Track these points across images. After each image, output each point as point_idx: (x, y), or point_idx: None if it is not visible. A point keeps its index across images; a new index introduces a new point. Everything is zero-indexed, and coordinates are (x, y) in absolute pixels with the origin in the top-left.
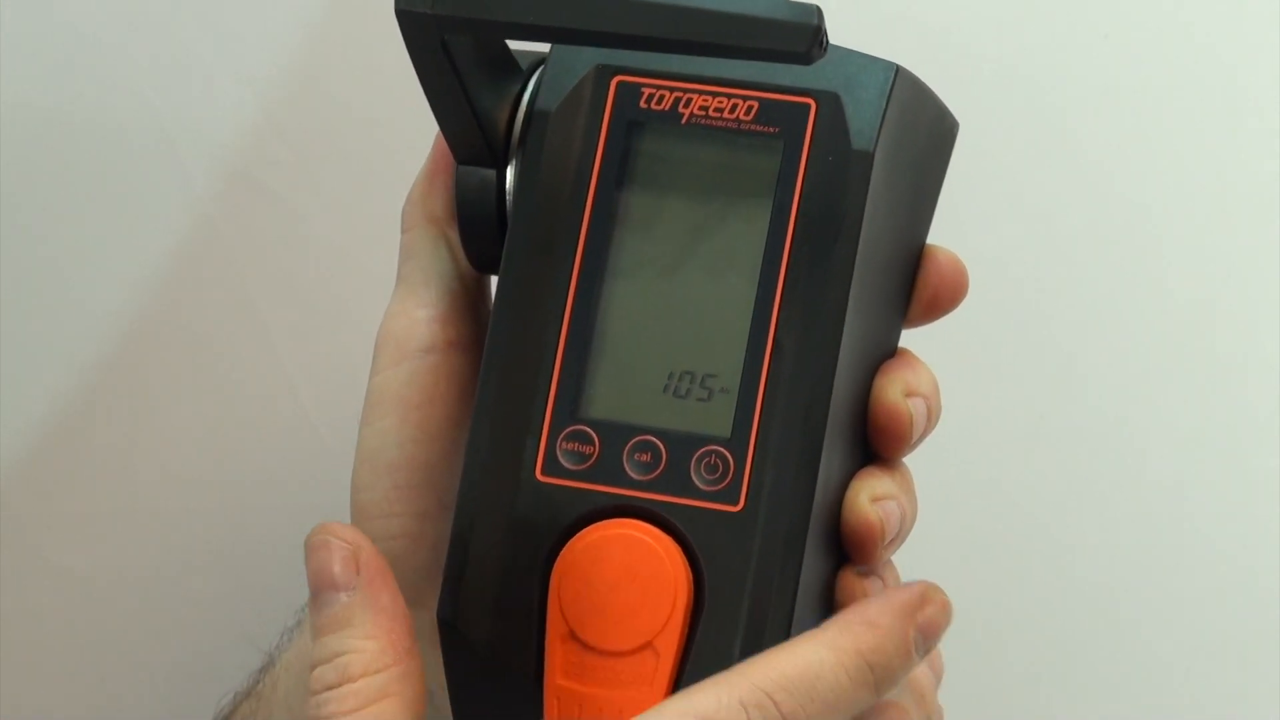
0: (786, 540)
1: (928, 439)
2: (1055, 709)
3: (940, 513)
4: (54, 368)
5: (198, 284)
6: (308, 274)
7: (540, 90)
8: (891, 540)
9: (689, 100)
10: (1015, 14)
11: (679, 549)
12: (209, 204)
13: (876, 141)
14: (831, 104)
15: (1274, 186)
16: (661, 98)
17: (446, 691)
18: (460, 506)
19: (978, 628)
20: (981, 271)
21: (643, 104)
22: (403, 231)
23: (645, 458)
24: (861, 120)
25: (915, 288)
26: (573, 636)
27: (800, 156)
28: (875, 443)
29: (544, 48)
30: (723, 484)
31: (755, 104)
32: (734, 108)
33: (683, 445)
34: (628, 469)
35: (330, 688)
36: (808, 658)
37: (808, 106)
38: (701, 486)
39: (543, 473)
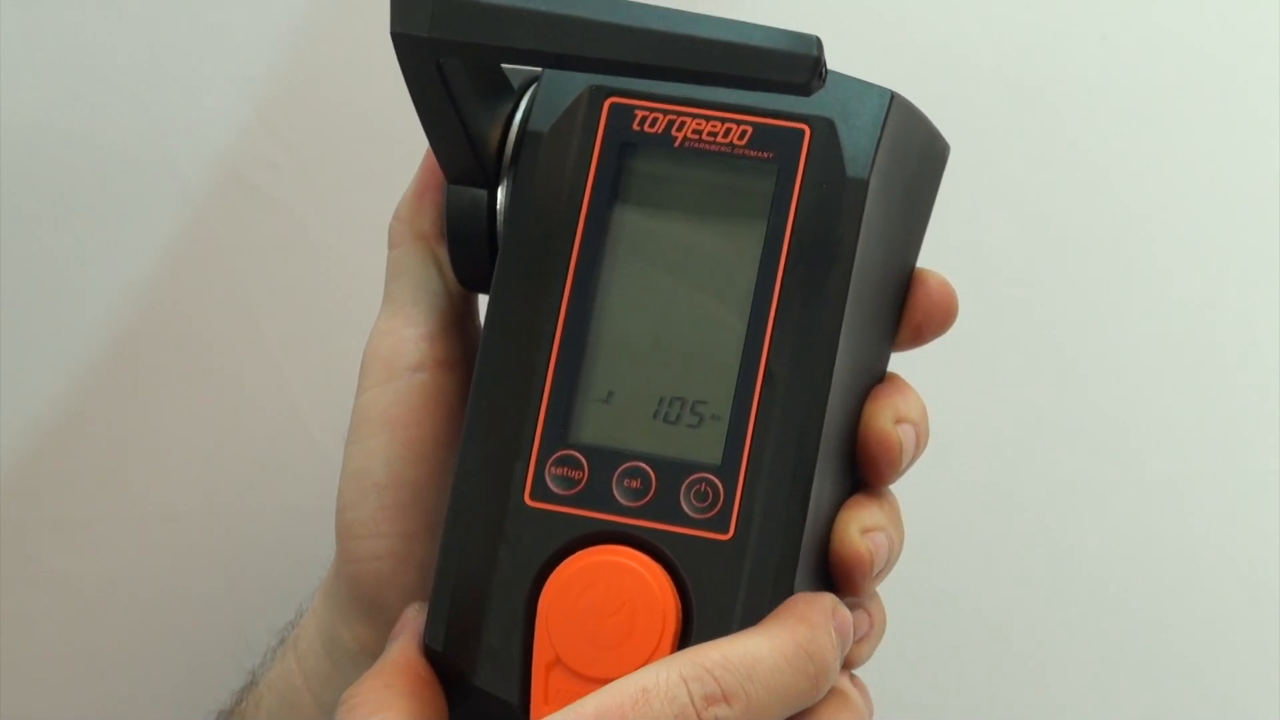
0: (776, 569)
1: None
2: (1055, 709)
3: (939, 515)
4: (48, 372)
5: (193, 287)
6: (303, 277)
7: (533, 110)
8: (880, 571)
9: (682, 123)
10: (1011, 16)
11: (668, 577)
12: (204, 207)
13: (871, 169)
14: (826, 130)
15: (1272, 187)
16: (655, 120)
17: None
18: (447, 530)
19: (977, 628)
20: (979, 274)
21: (636, 126)
22: (390, 248)
23: (635, 484)
24: (856, 147)
25: (905, 312)
26: (560, 663)
27: (794, 183)
28: (864, 469)
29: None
30: (712, 512)
31: (749, 129)
32: (728, 132)
33: (673, 472)
34: (617, 495)
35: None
36: (747, 643)
37: (802, 132)
38: (691, 514)
39: (531, 497)
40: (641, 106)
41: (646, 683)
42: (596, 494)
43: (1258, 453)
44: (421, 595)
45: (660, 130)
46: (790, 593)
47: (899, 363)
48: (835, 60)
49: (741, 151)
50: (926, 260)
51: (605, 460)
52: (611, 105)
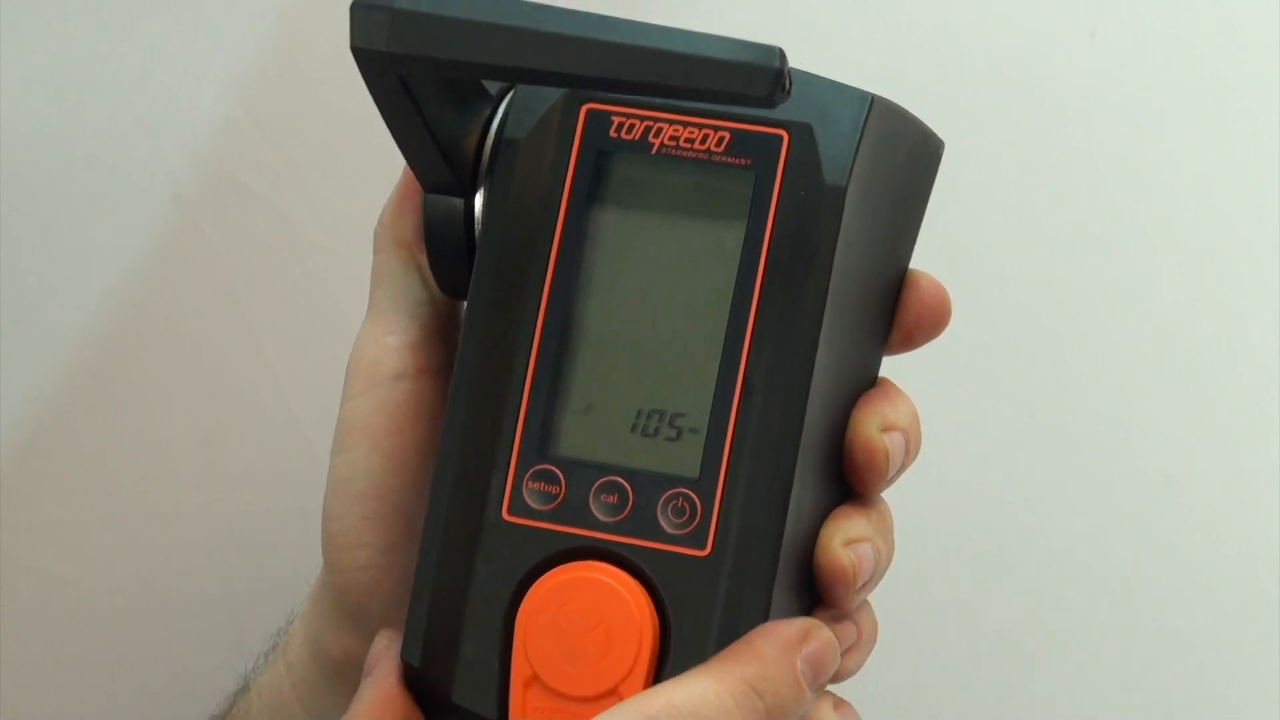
0: (753, 586)
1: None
2: (1053, 710)
3: (936, 518)
4: (36, 373)
5: (183, 287)
6: (294, 276)
7: (509, 117)
8: (865, 584)
9: (659, 130)
10: (1001, 14)
11: (645, 593)
12: (194, 206)
13: (850, 175)
14: (804, 136)
15: (1263, 183)
16: (631, 127)
17: None
18: (424, 545)
19: (974, 632)
20: (971, 273)
21: (612, 133)
22: (374, 254)
23: (612, 499)
24: (834, 153)
25: (896, 314)
26: (537, 680)
27: (772, 190)
28: (851, 479)
29: None
30: (690, 527)
31: (727, 134)
32: (705, 138)
33: (650, 486)
34: (594, 510)
35: None
36: (694, 686)
37: (780, 138)
38: (669, 530)
39: (509, 512)
40: (618, 113)
41: None
42: (574, 509)
43: (1253, 450)
44: (404, 606)
45: (637, 136)
46: (767, 609)
47: (894, 366)
48: (821, 62)
49: (719, 158)
50: (922, 261)
51: (583, 474)
52: (588, 112)
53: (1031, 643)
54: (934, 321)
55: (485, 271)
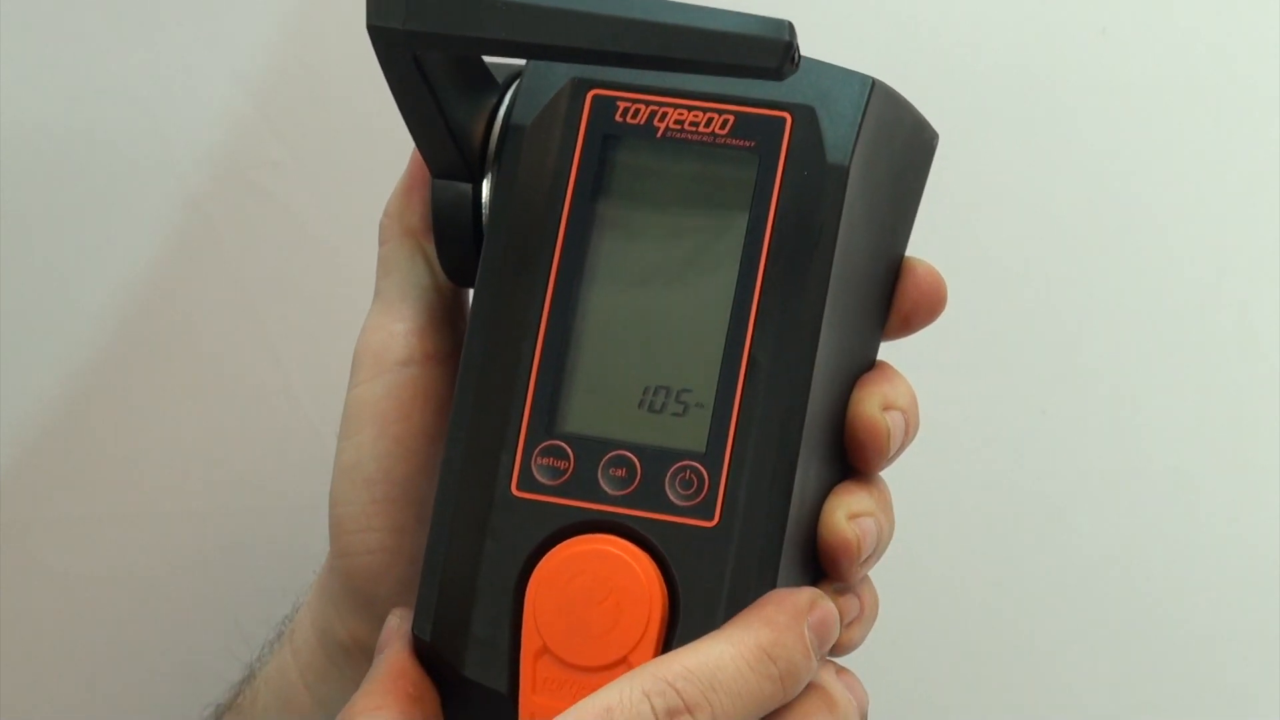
0: (761, 556)
1: (913, 447)
2: (1057, 698)
3: (938, 503)
4: (49, 370)
5: (194, 285)
6: (304, 274)
7: (516, 103)
8: (868, 557)
9: (664, 114)
10: (1012, 9)
11: (654, 564)
12: (205, 204)
13: (852, 155)
14: (807, 118)
15: (1273, 179)
16: (637, 111)
17: None
18: (435, 521)
19: (978, 618)
20: (979, 268)
21: (618, 117)
22: (380, 244)
23: (620, 473)
24: (837, 134)
25: (893, 300)
26: (547, 652)
27: (776, 170)
28: (853, 457)
29: (520, 61)
30: (697, 499)
31: (731, 117)
32: (709, 121)
33: (657, 460)
34: (603, 484)
35: None
36: (709, 651)
37: (783, 120)
38: (676, 501)
39: (518, 488)
40: (624, 98)
41: (610, 701)
42: (582, 483)
43: (1265, 445)
44: (413, 588)
45: (643, 121)
46: (775, 578)
47: (896, 352)
48: (830, 55)
49: (723, 141)
50: (933, 254)
51: (591, 450)
52: (594, 97)
53: (1042, 636)
54: (930, 306)
55: (493, 254)
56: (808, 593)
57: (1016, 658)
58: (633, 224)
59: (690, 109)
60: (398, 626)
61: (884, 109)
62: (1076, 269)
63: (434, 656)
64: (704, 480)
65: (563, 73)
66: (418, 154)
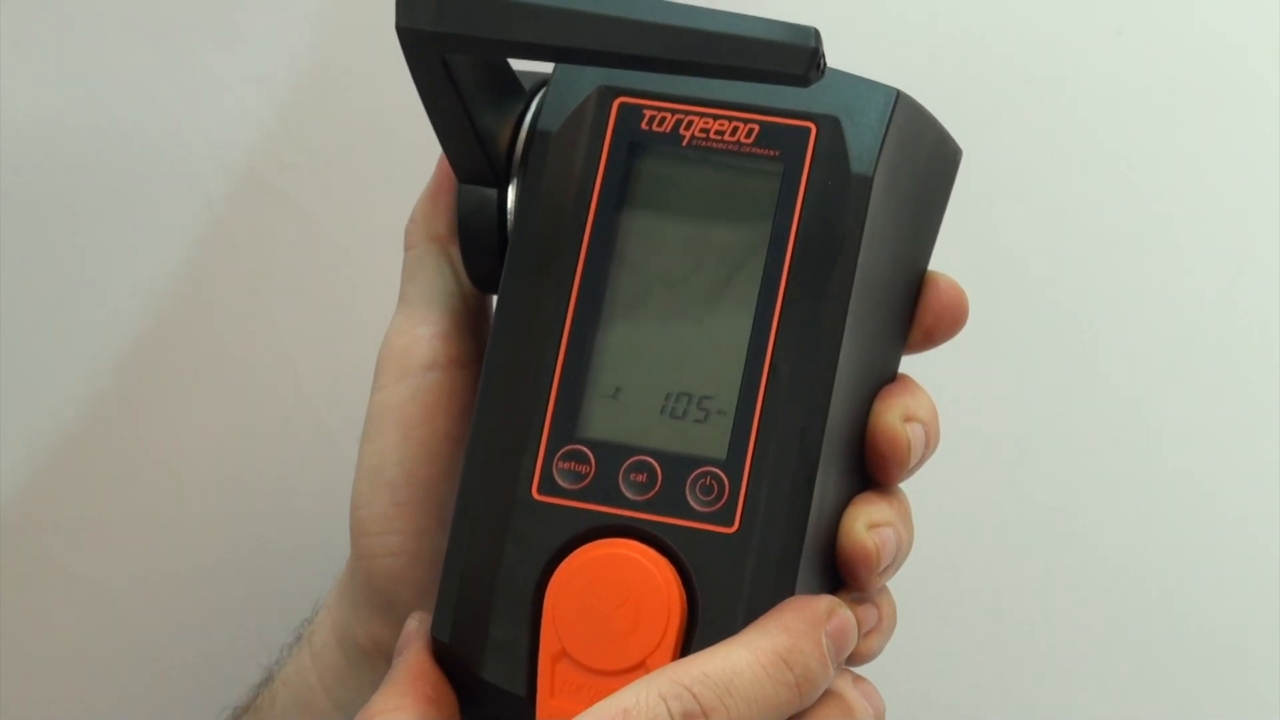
0: (780, 562)
1: (932, 458)
2: (1073, 704)
3: (958, 514)
4: (65, 373)
5: (211, 288)
6: (321, 278)
7: (543, 110)
8: (887, 567)
9: (690, 122)
10: (1026, 12)
11: (673, 569)
12: (221, 207)
13: (876, 165)
14: (832, 128)
15: None
16: (663, 119)
17: None
18: (456, 524)
19: (996, 626)
20: (995, 271)
21: (644, 125)
22: (405, 250)
23: (641, 478)
24: (861, 144)
25: (915, 314)
26: (566, 655)
27: (800, 179)
28: (873, 468)
29: (547, 68)
30: (718, 505)
31: (756, 127)
32: (735, 130)
33: (678, 466)
34: (623, 489)
35: None
36: (726, 656)
37: (808, 130)
38: (696, 507)
39: (539, 492)
40: (650, 106)
41: (626, 703)
42: (603, 488)
43: (1276, 447)
44: (433, 591)
45: (668, 129)
46: (793, 585)
47: (917, 364)
48: (848, 58)
49: (748, 150)
50: (946, 257)
51: (612, 455)
52: (620, 105)
53: (1060, 646)
54: (952, 321)
55: (518, 259)
56: (826, 600)
57: (1034, 668)
58: (657, 231)
59: (716, 118)
60: (417, 629)
61: (908, 121)
62: (1092, 273)
63: (452, 658)
64: (724, 487)
65: (589, 80)
66: (444, 160)
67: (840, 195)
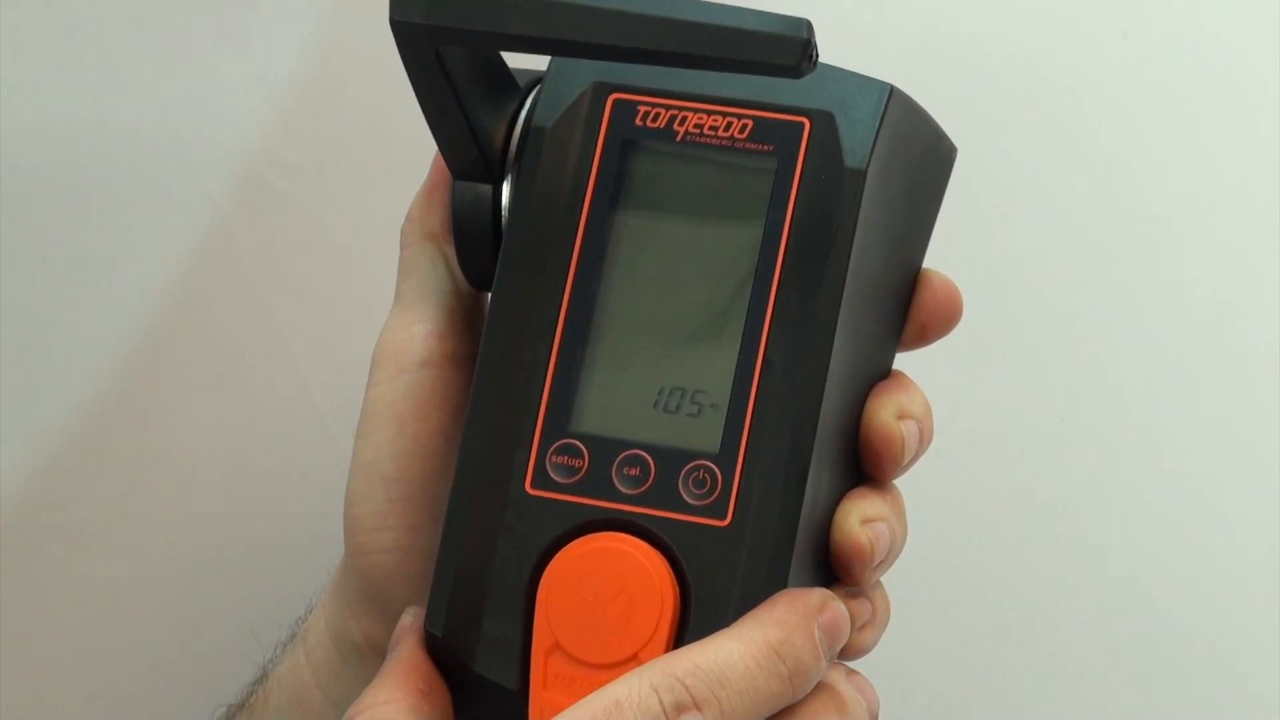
0: (772, 556)
1: (932, 455)
2: (1073, 713)
3: (960, 516)
4: (69, 375)
5: (214, 290)
6: (324, 280)
7: (537, 106)
8: (881, 562)
9: (684, 118)
10: (1034, 15)
11: (666, 563)
12: (224, 209)
13: (869, 160)
14: (825, 123)
15: None
16: (657, 115)
17: None
18: (449, 518)
19: (995, 630)
20: (1000, 274)
21: (638, 121)
22: (401, 249)
23: (634, 472)
24: (855, 139)
25: (909, 311)
26: (559, 649)
27: (794, 174)
28: (867, 464)
29: (542, 65)
30: (710, 499)
31: (750, 122)
32: (729, 126)
33: (671, 460)
34: (617, 483)
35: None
36: (718, 648)
37: (802, 125)
38: (689, 501)
39: (532, 485)
40: (644, 102)
41: (619, 695)
42: (596, 482)
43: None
44: (428, 586)
45: (662, 125)
46: (786, 578)
47: (914, 360)
48: (856, 65)
49: (742, 145)
50: (953, 260)
51: (605, 449)
52: (615, 101)
53: (1056, 643)
54: (946, 318)
55: (512, 254)
56: (819, 593)
57: (1030, 665)
58: (651, 226)
59: (710, 113)
60: (411, 624)
61: (902, 116)
62: (1096, 276)
63: (446, 652)
64: (717, 480)
65: (584, 76)
66: (440, 158)
67: (834, 190)
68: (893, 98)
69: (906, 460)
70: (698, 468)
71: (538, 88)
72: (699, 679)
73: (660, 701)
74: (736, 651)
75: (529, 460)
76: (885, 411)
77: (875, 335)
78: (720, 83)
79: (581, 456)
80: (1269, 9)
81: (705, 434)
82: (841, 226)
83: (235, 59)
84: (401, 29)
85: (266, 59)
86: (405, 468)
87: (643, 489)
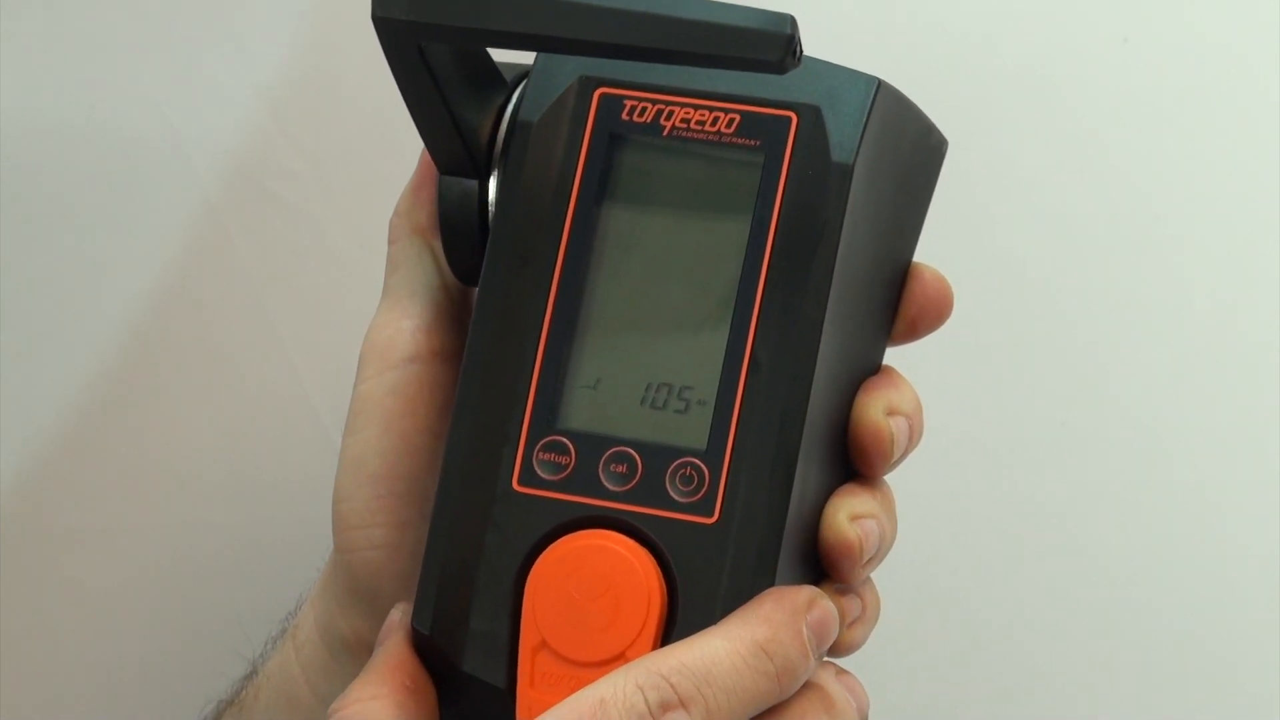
0: (760, 553)
1: (930, 453)
2: (1057, 703)
3: (956, 516)
4: (65, 377)
5: (210, 293)
6: (322, 284)
7: (523, 101)
8: (870, 559)
9: (671, 112)
10: (1034, 18)
11: (653, 560)
12: (221, 213)
13: (857, 154)
14: (812, 117)
15: None
16: (644, 110)
17: None
18: (436, 515)
19: (987, 626)
20: (1003, 276)
21: (625, 116)
22: (389, 243)
23: (621, 469)
24: (842, 133)
25: (899, 305)
26: (545, 647)
27: (780, 169)
28: (856, 460)
29: (529, 60)
30: (698, 496)
31: (737, 116)
32: (715, 120)
33: (659, 457)
34: (604, 480)
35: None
36: (704, 646)
37: (789, 119)
38: (677, 498)
39: (519, 483)
40: (631, 96)
41: (604, 693)
42: (583, 479)
43: (1275, 450)
44: (415, 583)
45: (649, 120)
46: (773, 576)
47: (916, 360)
48: (849, 60)
49: (729, 139)
50: (954, 260)
51: (592, 446)
52: (601, 95)
53: (1049, 645)
54: (936, 312)
55: (499, 249)
56: (807, 591)
57: (1022, 666)
58: (637, 221)
59: (696, 108)
60: (399, 620)
61: (890, 110)
62: (1096, 278)
63: (432, 650)
64: (704, 477)
65: (570, 71)
66: (427, 153)
67: (821, 184)
68: (880, 91)
69: (896, 457)
70: (685, 465)
71: (524, 82)
72: (685, 677)
73: (645, 700)
74: (723, 649)
75: (516, 457)
76: (874, 407)
77: (864, 330)
78: (707, 77)
79: (568, 453)
80: (1269, 13)
81: (692, 431)
82: (829, 221)
83: (231, 61)
84: (384, 25)
85: (263, 62)
86: (392, 464)
87: (630, 486)
